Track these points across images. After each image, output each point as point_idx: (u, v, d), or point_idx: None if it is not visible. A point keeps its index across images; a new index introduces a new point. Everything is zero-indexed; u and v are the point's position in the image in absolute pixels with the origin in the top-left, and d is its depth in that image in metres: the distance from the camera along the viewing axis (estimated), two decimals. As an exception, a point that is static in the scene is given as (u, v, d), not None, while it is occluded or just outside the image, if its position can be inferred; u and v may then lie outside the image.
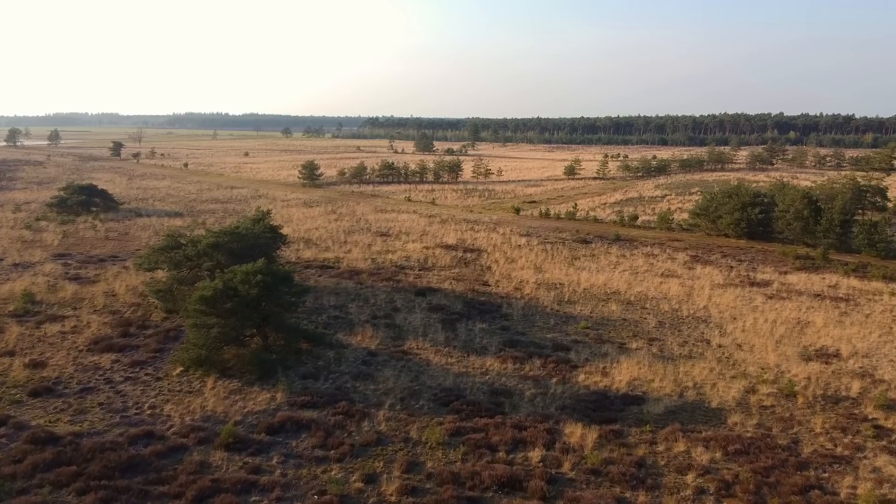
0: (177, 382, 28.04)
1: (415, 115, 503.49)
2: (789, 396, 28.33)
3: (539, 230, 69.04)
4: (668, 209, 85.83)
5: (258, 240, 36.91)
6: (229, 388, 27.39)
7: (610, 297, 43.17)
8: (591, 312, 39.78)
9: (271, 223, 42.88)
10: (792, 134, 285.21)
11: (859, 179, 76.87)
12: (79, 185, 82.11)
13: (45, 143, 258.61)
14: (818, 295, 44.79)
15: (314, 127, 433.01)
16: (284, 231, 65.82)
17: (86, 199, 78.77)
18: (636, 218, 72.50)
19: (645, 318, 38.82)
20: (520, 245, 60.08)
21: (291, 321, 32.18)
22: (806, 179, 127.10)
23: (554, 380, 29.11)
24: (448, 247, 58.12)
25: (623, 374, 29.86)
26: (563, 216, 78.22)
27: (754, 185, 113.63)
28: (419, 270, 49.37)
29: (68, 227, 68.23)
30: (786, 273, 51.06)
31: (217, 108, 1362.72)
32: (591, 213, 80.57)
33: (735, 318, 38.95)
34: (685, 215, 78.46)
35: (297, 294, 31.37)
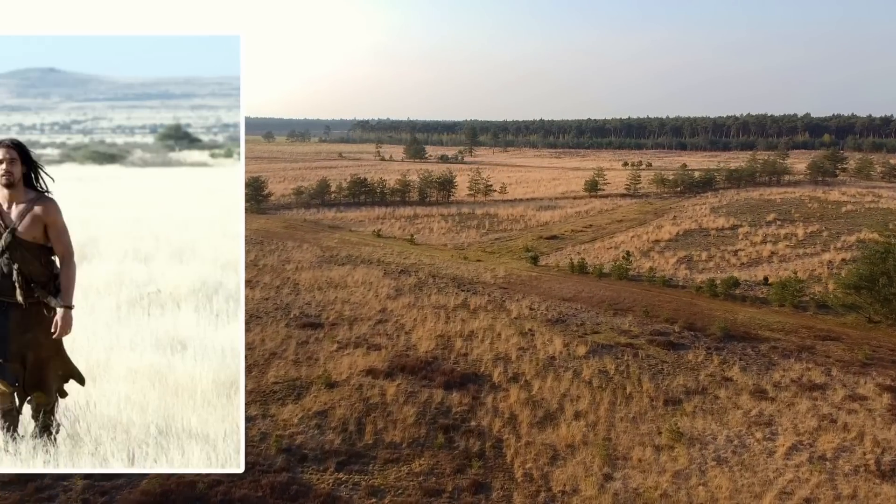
0: None
1: (411, 118, 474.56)
2: None
3: (578, 307, 41.10)
4: (768, 256, 57.92)
5: None
6: None
7: None
8: None
9: None
10: (826, 137, 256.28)
11: None
12: None
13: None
14: None
15: (300, 130, 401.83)
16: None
17: None
18: (736, 284, 44.31)
19: None
20: (553, 357, 32.12)
21: None
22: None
23: None
24: (416, 369, 30.04)
25: None
26: (607, 271, 50.27)
27: (843, 208, 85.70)
28: (337, 473, 21.37)
29: None
30: None
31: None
32: (651, 267, 52.42)
33: None
34: (797, 267, 50.45)
35: None
